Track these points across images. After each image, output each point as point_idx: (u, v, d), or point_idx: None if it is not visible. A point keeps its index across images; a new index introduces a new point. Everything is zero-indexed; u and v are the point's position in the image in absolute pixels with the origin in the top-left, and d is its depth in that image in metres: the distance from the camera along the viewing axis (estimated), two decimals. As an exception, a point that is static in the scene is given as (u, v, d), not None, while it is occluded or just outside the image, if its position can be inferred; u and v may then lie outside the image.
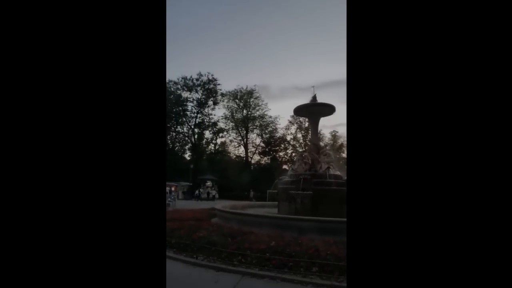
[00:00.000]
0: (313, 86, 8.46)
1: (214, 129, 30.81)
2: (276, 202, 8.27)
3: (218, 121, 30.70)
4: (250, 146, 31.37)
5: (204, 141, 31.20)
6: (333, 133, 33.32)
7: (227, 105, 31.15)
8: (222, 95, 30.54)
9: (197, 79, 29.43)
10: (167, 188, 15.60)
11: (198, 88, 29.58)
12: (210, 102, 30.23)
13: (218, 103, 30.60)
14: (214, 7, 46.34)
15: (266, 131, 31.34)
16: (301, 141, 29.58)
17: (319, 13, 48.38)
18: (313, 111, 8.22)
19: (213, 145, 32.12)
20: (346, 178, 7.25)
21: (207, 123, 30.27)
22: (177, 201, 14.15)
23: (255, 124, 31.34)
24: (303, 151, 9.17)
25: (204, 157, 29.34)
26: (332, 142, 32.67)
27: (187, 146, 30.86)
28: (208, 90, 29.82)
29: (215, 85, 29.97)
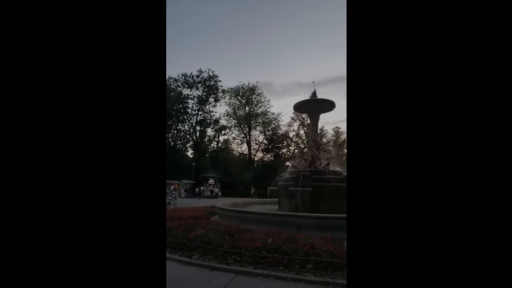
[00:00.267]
0: (313, 82, 8.35)
1: (216, 126, 30.79)
2: (277, 199, 8.23)
3: (219, 118, 30.68)
4: (253, 143, 31.38)
5: (206, 139, 31.23)
6: (336, 129, 33.12)
7: (229, 102, 31.11)
8: (223, 91, 30.46)
9: (197, 76, 29.35)
10: (171, 187, 15.69)
11: (199, 85, 29.51)
12: (211, 99, 30.16)
13: (220, 100, 30.54)
14: (214, 7, 46.12)
15: (269, 128, 31.23)
16: (303, 137, 29.41)
17: (320, 9, 47.77)
18: (313, 107, 8.12)
19: (215, 143, 32.16)
20: (346, 174, 7.14)
21: (208, 121, 30.23)
22: (179, 200, 14.22)
23: (258, 121, 31.23)
24: (303, 148, 9.08)
25: (207, 155, 29.40)
26: (334, 138, 32.49)
27: (188, 144, 30.92)
28: (209, 87, 29.71)
29: (216, 81, 29.87)
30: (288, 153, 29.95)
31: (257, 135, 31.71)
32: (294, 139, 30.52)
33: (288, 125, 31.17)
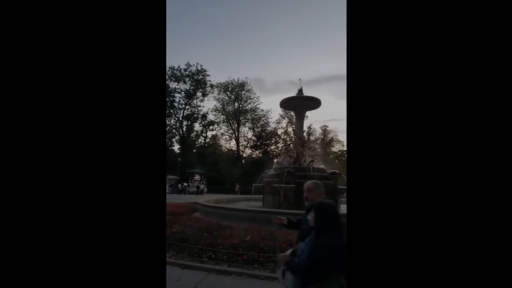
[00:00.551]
0: (299, 79, 8.28)
1: (204, 121, 30.30)
2: (261, 196, 8.18)
3: (207, 113, 30.19)
4: (241, 140, 31.16)
5: (193, 134, 30.69)
6: (324, 128, 33.55)
7: (218, 97, 30.66)
8: (212, 86, 29.94)
9: (185, 70, 28.69)
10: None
11: (187, 79, 28.84)
12: (199, 94, 29.59)
13: (208, 94, 30.02)
14: (208, 4, 45.05)
15: (258, 125, 31.12)
16: (292, 135, 29.58)
17: (315, 8, 47.90)
18: (299, 104, 8.09)
19: (203, 138, 31.69)
20: (331, 171, 7.22)
21: (196, 115, 29.67)
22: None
23: (247, 117, 31.02)
24: (289, 144, 9.07)
25: (194, 150, 28.94)
26: (322, 136, 32.92)
27: (174, 139, 30.18)
28: (197, 81, 29.11)
29: (204, 76, 29.32)
30: (277, 150, 30.03)
31: (246, 131, 31.54)
32: (282, 137, 30.65)
33: (277, 123, 31.24)
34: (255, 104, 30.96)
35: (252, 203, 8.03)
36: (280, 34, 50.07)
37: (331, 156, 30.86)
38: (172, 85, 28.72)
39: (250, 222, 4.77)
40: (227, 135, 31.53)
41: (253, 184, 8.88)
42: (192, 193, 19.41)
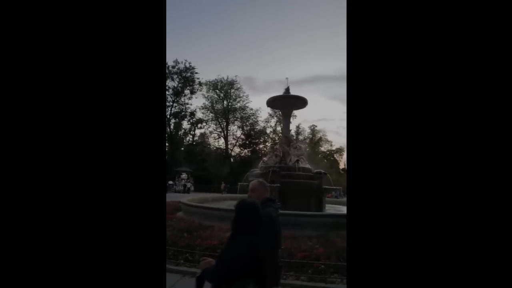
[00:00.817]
0: (286, 78, 8.27)
1: (193, 119, 29.85)
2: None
3: (195, 111, 29.73)
4: (230, 138, 30.96)
5: (182, 132, 30.15)
6: (312, 128, 33.93)
7: (207, 95, 30.27)
8: (200, 84, 29.51)
9: (173, 67, 28.06)
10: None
11: (175, 76, 28.24)
12: (187, 91, 29.10)
13: (196, 92, 29.57)
14: (198, 1, 44.25)
15: (247, 123, 31.00)
16: (280, 134, 29.70)
17: (308, 8, 48.23)
18: (285, 103, 8.07)
19: (191, 136, 31.21)
20: (316, 171, 7.21)
21: (184, 113, 29.17)
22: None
23: (236, 115, 30.82)
24: (275, 144, 9.05)
25: (182, 148, 28.44)
26: (311, 136, 33.28)
27: (162, 137, 29.55)
28: (185, 78, 28.58)
29: (192, 73, 28.83)
30: (265, 149, 30.05)
31: (235, 130, 31.35)
32: (271, 136, 30.71)
33: (266, 121, 31.26)
34: (244, 103, 30.84)
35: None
36: (271, 33, 50.13)
37: (319, 156, 31.31)
38: (160, 81, 28.07)
39: (233, 222, 4.69)
40: (215, 133, 31.25)
41: (239, 183, 8.80)
42: (179, 191, 19.05)
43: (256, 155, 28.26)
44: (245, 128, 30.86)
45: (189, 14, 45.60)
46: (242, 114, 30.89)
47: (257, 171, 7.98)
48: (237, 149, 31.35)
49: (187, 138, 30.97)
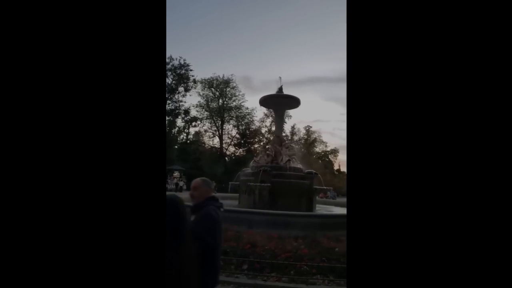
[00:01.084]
0: (280, 77, 8.19)
1: (187, 117, 29.54)
2: (238, 194, 8.04)
3: (189, 108, 29.41)
4: (225, 137, 30.77)
5: (175, 130, 29.84)
6: (307, 128, 34.03)
7: (202, 93, 30.00)
8: (195, 81, 29.18)
9: (167, 63, 27.71)
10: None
11: (168, 73, 27.85)
12: (181, 89, 28.74)
13: (190, 89, 29.20)
14: (196, 0, 43.85)
15: (242, 123, 30.84)
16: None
17: (306, 7, 48.36)
18: (278, 102, 8.02)
19: (185, 134, 30.90)
20: (307, 171, 7.19)
21: (178, 111, 28.82)
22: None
23: (231, 114, 30.64)
24: (266, 143, 8.99)
25: (176, 147, 28.15)
26: (306, 137, 33.38)
27: (155, 134, 29.17)
28: (179, 75, 28.22)
29: (187, 70, 28.45)
30: (260, 148, 30.04)
31: (230, 129, 31.15)
32: (266, 135, 30.66)
33: (261, 121, 31.19)
34: (240, 102, 30.64)
35: (228, 201, 7.87)
36: (270, 33, 50.09)
37: (314, 157, 31.43)
38: (153, 78, 27.71)
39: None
40: (210, 132, 30.99)
41: (230, 183, 8.72)
42: (171, 190, 18.84)
43: (250, 154, 28.13)
44: (240, 127, 30.72)
45: (188, 14, 45.21)
46: (238, 113, 30.72)
47: (248, 170, 7.91)
48: (232, 148, 31.22)
49: (181, 136, 30.66)
